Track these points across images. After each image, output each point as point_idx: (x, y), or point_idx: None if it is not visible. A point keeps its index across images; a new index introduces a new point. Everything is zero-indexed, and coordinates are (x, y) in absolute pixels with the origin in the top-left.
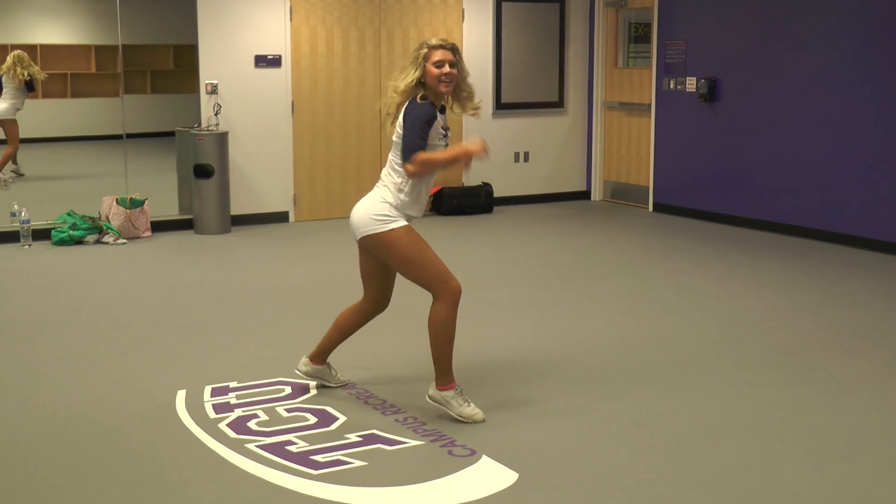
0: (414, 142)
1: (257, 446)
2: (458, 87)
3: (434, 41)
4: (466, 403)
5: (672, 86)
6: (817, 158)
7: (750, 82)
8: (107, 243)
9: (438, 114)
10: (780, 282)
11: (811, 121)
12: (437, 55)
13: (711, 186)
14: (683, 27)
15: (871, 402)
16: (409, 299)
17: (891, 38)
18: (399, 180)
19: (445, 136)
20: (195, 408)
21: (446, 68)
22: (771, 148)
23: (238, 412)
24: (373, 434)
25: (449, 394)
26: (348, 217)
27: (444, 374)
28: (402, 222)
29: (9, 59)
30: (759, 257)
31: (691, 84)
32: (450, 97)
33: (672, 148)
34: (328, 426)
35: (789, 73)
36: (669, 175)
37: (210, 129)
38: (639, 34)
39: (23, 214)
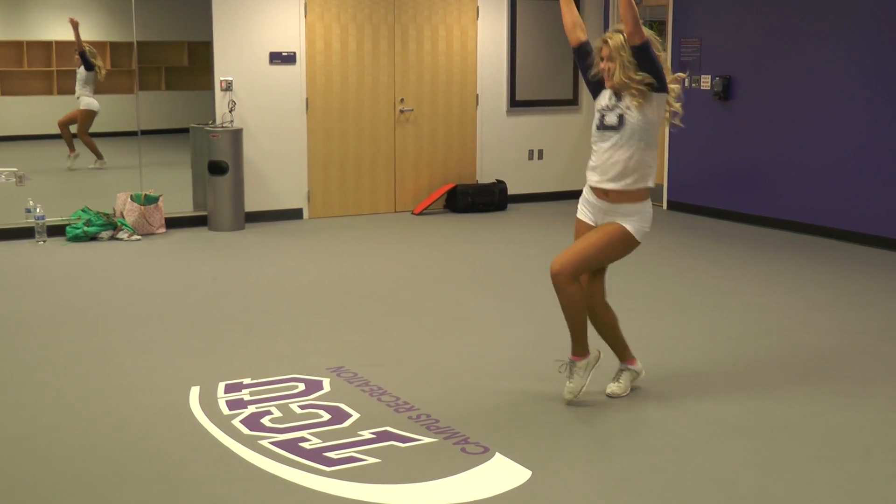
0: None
1: (270, 443)
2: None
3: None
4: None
5: (687, 84)
6: (832, 157)
7: (765, 80)
8: (121, 240)
9: (605, 91)
10: (794, 280)
11: (826, 119)
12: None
13: (726, 184)
14: (698, 25)
15: (885, 401)
16: (425, 298)
17: None
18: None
19: (604, 118)
20: (209, 404)
21: (603, 63)
22: (785, 146)
23: (251, 409)
24: (386, 431)
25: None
26: (362, 214)
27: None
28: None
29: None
30: (774, 255)
31: (706, 82)
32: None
33: (687, 146)
34: (341, 423)
35: (804, 71)
36: (684, 173)
37: (224, 125)
38: (653, 32)
39: (38, 210)
